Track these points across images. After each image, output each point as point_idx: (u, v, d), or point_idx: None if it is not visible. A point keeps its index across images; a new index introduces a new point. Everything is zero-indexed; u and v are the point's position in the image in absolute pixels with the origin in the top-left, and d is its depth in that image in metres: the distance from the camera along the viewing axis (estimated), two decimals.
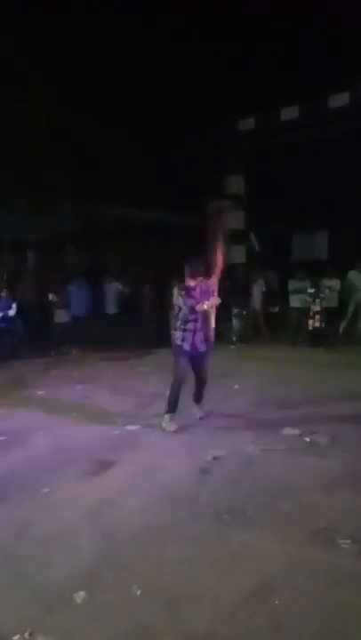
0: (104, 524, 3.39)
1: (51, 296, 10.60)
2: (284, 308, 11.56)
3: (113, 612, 2.53)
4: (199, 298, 5.33)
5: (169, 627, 2.40)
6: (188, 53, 12.98)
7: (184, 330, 5.36)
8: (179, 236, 11.94)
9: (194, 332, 5.37)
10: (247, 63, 12.75)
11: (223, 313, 11.53)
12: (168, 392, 5.39)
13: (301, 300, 10.76)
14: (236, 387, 7.12)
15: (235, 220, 14.96)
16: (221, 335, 11.27)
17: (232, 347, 10.56)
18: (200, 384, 5.64)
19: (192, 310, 5.33)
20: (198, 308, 5.29)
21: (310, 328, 10.48)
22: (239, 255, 14.70)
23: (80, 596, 2.64)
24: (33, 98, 11.38)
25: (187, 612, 2.50)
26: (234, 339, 10.94)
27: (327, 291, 10.63)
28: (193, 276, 5.35)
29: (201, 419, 5.61)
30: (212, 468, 4.28)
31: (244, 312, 11.23)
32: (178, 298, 5.45)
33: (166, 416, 5.33)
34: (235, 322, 11.17)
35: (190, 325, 5.36)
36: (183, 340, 5.36)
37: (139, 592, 2.66)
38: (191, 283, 5.36)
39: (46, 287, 11.01)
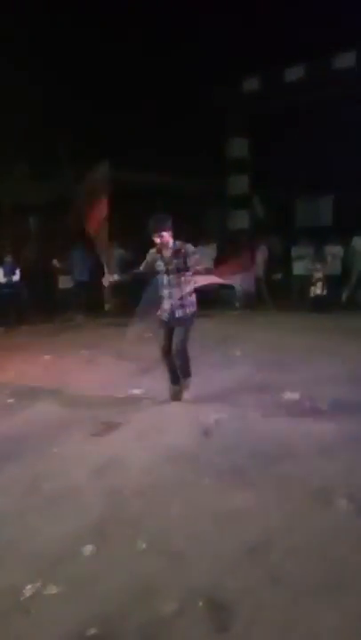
0: (110, 482, 3.51)
1: (54, 262, 10.61)
2: (287, 275, 11.56)
3: (119, 564, 2.65)
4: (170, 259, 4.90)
5: (172, 579, 2.52)
6: (189, 10, 12.59)
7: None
8: (181, 201, 11.83)
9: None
10: (251, 21, 12.38)
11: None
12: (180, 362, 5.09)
13: (304, 267, 10.76)
14: (238, 352, 7.21)
15: (238, 184, 14.79)
16: (223, 301, 11.38)
17: (234, 312, 10.62)
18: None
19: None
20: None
21: (312, 295, 10.51)
22: (242, 221, 14.60)
23: (88, 549, 2.77)
24: (33, 60, 11.12)
25: (189, 567, 2.62)
26: (236, 304, 10.99)
27: (330, 257, 10.61)
28: (156, 232, 4.83)
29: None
30: (214, 430, 4.39)
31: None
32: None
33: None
34: (237, 288, 11.19)
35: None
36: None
37: (144, 546, 2.78)
38: (156, 239, 4.86)
39: (49, 253, 11.02)
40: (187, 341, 5.02)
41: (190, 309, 4.99)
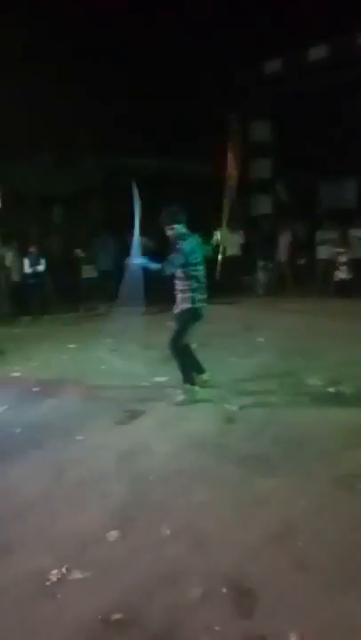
0: (135, 468, 3.55)
1: (77, 251, 10.67)
2: (312, 260, 11.41)
3: (144, 550, 2.68)
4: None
5: (197, 565, 2.53)
6: None
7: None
8: (204, 187, 11.71)
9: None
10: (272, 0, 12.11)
11: (250, 265, 11.52)
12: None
13: (329, 250, 10.60)
14: (261, 339, 7.16)
15: (261, 168, 14.57)
16: (247, 287, 11.31)
17: (257, 299, 10.55)
18: None
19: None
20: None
21: (337, 279, 10.36)
22: (266, 206, 14.41)
23: (113, 535, 2.80)
24: (55, 54, 11.14)
25: (213, 552, 2.63)
26: (260, 291, 10.92)
27: (355, 241, 10.43)
28: (167, 226, 4.73)
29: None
30: (238, 417, 4.38)
31: (270, 264, 11.15)
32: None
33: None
34: (261, 274, 11.11)
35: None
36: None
37: (168, 532, 2.81)
38: (168, 232, 4.76)
39: (73, 243, 11.09)
40: (179, 339, 4.81)
41: (180, 307, 4.81)
